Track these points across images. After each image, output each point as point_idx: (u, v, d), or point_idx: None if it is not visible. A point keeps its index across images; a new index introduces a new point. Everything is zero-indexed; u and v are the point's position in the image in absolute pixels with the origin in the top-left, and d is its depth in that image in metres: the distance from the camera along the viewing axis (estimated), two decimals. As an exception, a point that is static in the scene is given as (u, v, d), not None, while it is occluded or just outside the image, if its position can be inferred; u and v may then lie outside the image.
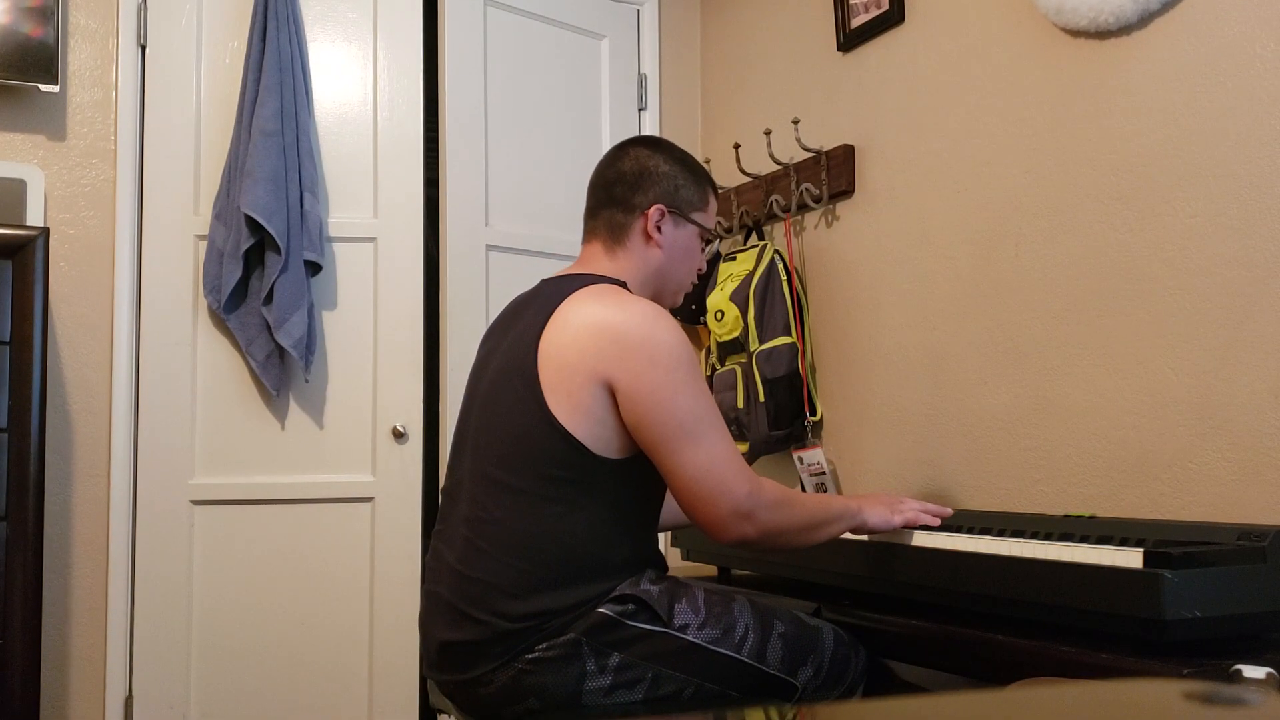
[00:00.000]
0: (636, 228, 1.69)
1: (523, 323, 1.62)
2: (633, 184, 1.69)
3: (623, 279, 1.68)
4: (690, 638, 1.53)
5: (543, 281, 1.70)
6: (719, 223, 3.08)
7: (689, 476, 1.49)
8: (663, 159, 1.71)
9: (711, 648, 1.55)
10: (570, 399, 1.50)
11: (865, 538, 1.79)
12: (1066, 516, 1.70)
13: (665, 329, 1.52)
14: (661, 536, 3.16)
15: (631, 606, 1.52)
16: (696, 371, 1.53)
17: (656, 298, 1.76)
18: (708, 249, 1.78)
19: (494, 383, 1.60)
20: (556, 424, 1.50)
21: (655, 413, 1.48)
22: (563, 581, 1.50)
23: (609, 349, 1.50)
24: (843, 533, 1.64)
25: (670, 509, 1.97)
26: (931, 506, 1.74)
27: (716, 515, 1.49)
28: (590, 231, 1.74)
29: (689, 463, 1.49)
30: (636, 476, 1.56)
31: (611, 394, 1.51)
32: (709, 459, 1.49)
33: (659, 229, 1.69)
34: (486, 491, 1.54)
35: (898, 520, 1.67)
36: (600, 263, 1.71)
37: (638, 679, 1.50)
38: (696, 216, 1.73)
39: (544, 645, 1.49)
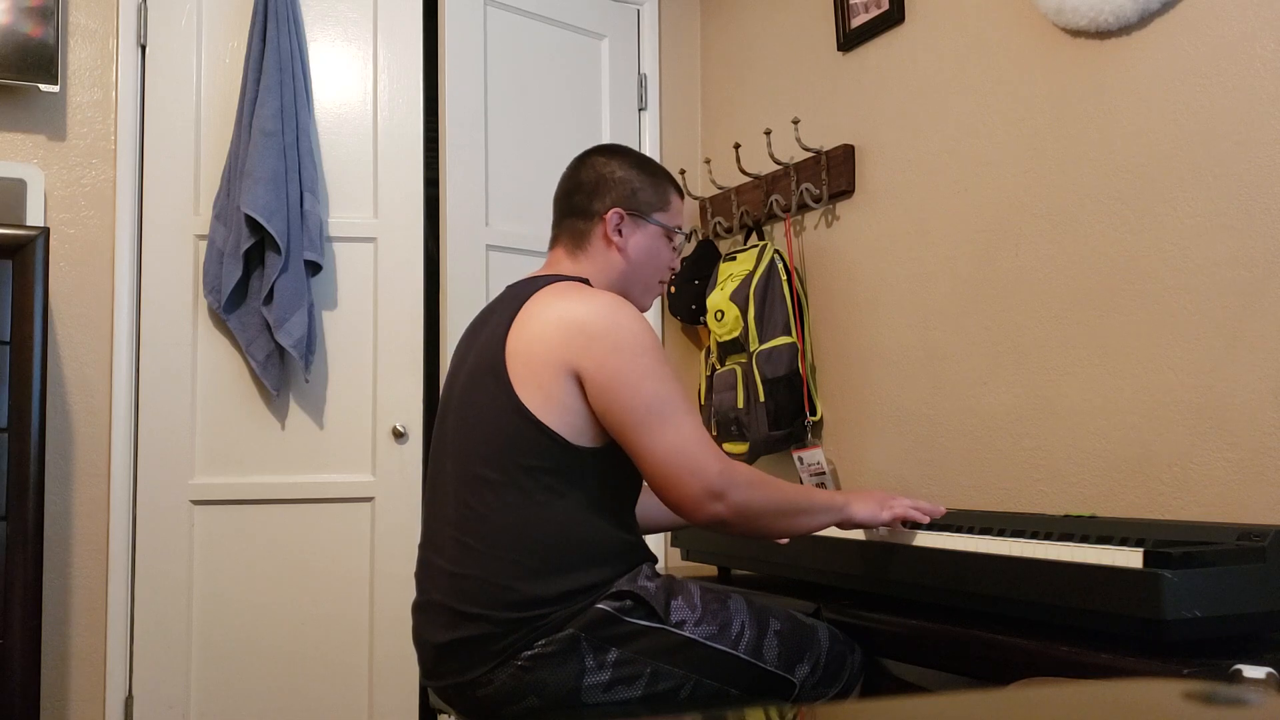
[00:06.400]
0: (597, 233, 1.73)
1: (490, 326, 1.65)
2: (590, 191, 1.74)
3: (586, 278, 1.71)
4: (687, 634, 1.55)
5: (507, 287, 1.74)
6: (719, 222, 3.08)
7: (659, 458, 1.51)
8: (618, 164, 1.75)
9: (708, 644, 1.56)
10: (542, 391, 1.53)
11: (864, 537, 1.79)
12: (1066, 516, 1.70)
13: (628, 317, 1.56)
14: (660, 536, 3.16)
15: (629, 603, 1.53)
16: (661, 357, 1.57)
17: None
18: (677, 245, 1.80)
19: (467, 385, 1.63)
20: (531, 417, 1.53)
21: (622, 398, 1.52)
22: (554, 569, 1.52)
23: (575, 340, 1.53)
24: (827, 525, 1.63)
25: (656, 510, 1.96)
26: (924, 505, 1.74)
27: (688, 494, 1.51)
28: (554, 240, 1.79)
29: (658, 444, 1.51)
30: (616, 463, 1.59)
31: (580, 384, 1.54)
32: (678, 439, 1.51)
33: (619, 232, 1.73)
34: (471, 490, 1.56)
35: (885, 516, 1.66)
36: (563, 265, 1.75)
37: (636, 675, 1.51)
38: (658, 217, 1.76)
39: (542, 642, 1.50)
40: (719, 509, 1.52)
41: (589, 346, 1.53)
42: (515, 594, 1.51)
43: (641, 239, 1.74)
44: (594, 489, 1.57)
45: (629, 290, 1.76)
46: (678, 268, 1.83)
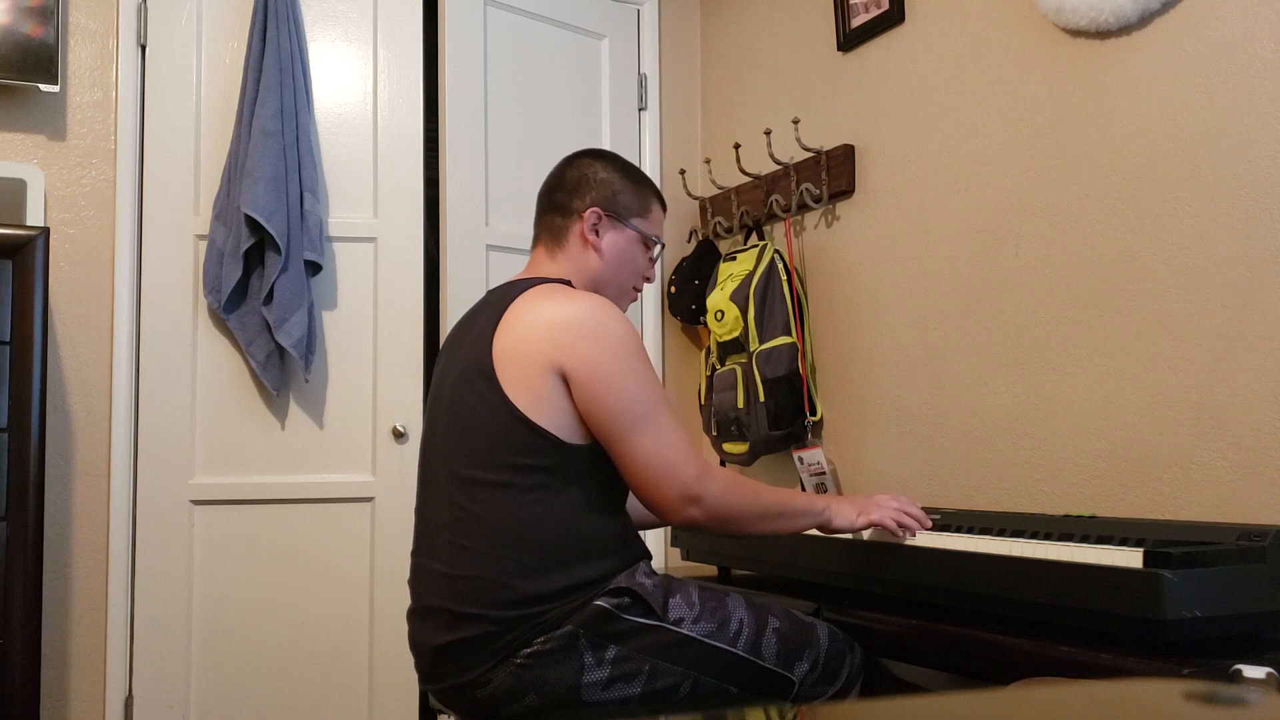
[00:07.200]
0: (574, 231, 1.75)
1: (476, 330, 1.66)
2: (572, 189, 1.76)
3: (566, 279, 1.73)
4: (685, 631, 1.56)
5: (489, 291, 1.76)
6: (719, 222, 3.08)
7: (640, 461, 1.55)
8: (602, 167, 1.78)
9: (707, 641, 1.57)
10: (530, 390, 1.55)
11: (864, 537, 1.80)
12: (1066, 516, 1.70)
13: (613, 318, 1.58)
14: (659, 536, 3.16)
15: (627, 600, 1.54)
16: (645, 359, 1.59)
17: None
18: (654, 255, 1.82)
19: (456, 388, 1.64)
20: (522, 416, 1.54)
21: (607, 398, 1.54)
22: (552, 565, 1.53)
23: (561, 339, 1.55)
24: (807, 528, 1.68)
25: (639, 507, 1.98)
26: (911, 510, 1.73)
27: (665, 497, 1.55)
28: (535, 238, 1.81)
29: (640, 447, 1.55)
30: (609, 460, 1.60)
31: (566, 382, 1.56)
32: (659, 443, 1.55)
33: (595, 231, 1.75)
34: (465, 492, 1.57)
35: (861, 521, 1.70)
36: (544, 265, 1.77)
37: (635, 672, 1.52)
38: (636, 222, 1.78)
39: (541, 639, 1.50)
40: (694, 513, 1.56)
41: (575, 347, 1.55)
42: (513, 592, 1.51)
43: (617, 240, 1.76)
44: (589, 485, 1.58)
45: (603, 293, 1.78)
46: (652, 278, 1.86)
